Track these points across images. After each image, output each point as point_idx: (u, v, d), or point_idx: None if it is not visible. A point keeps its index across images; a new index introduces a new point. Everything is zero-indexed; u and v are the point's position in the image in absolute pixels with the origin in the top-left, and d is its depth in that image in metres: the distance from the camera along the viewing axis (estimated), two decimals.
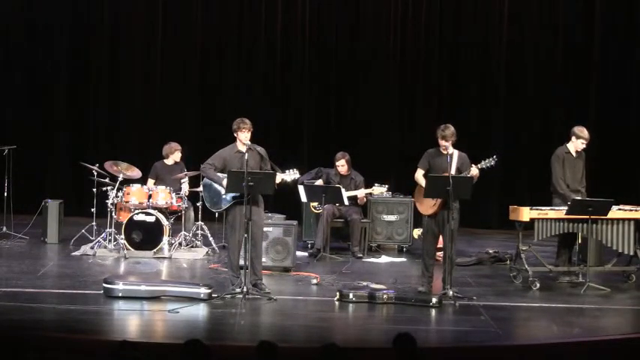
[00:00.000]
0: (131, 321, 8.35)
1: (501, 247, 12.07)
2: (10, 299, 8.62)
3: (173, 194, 11.54)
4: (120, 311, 8.47)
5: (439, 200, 9.17)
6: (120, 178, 11.53)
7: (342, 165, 11.95)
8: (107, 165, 11.80)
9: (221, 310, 8.48)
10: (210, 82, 15.08)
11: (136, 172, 11.88)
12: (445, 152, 9.31)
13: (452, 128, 9.32)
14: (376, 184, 11.89)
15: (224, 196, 9.14)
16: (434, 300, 8.78)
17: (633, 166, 14.37)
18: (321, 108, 15.08)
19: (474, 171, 9.26)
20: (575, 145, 10.12)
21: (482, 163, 9.31)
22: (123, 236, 11.21)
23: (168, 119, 14.98)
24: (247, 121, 9.19)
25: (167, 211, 11.63)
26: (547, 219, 9.79)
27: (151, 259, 11.08)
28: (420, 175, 9.45)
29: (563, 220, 9.77)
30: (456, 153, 9.31)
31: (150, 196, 11.42)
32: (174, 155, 12.06)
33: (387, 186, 11.94)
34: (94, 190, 11.72)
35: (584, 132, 10.12)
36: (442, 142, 9.32)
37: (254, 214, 8.97)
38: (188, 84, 15.11)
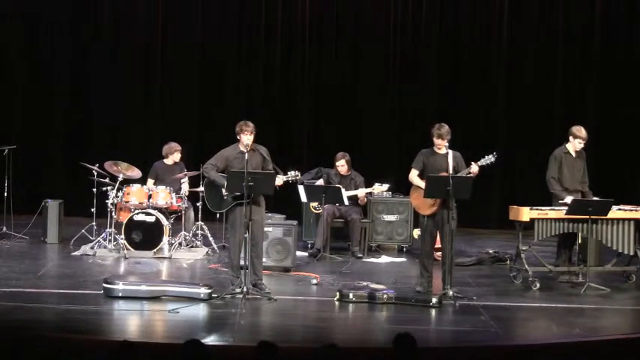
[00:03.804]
0: (131, 321, 8.35)
1: (501, 247, 12.08)
2: (10, 299, 8.62)
3: (173, 194, 11.55)
4: (120, 311, 8.47)
5: (438, 200, 9.18)
6: (120, 178, 11.53)
7: (342, 165, 11.95)
8: (107, 165, 11.80)
9: (221, 310, 8.48)
10: (210, 82, 15.08)
11: (136, 172, 11.89)
12: (441, 151, 9.32)
13: (447, 127, 9.33)
14: (377, 184, 11.89)
15: (225, 197, 9.15)
16: (434, 300, 8.78)
17: (633, 166, 14.37)
18: (321, 108, 15.08)
19: (474, 168, 9.27)
20: (574, 145, 10.13)
21: (483, 160, 9.32)
22: (123, 236, 11.21)
23: (168, 119, 15.00)
24: (250, 124, 9.20)
25: (167, 211, 11.63)
26: (547, 219, 9.79)
27: (151, 259, 11.08)
28: (414, 176, 9.45)
29: (563, 220, 9.78)
30: (450, 152, 9.30)
31: (150, 196, 11.43)
32: (173, 155, 12.06)
33: (387, 185, 11.94)
34: (94, 190, 11.72)
35: (581, 131, 10.12)
36: (438, 141, 9.32)
37: (255, 213, 8.97)
38: (188, 84, 15.10)
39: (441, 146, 9.31)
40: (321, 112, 15.08)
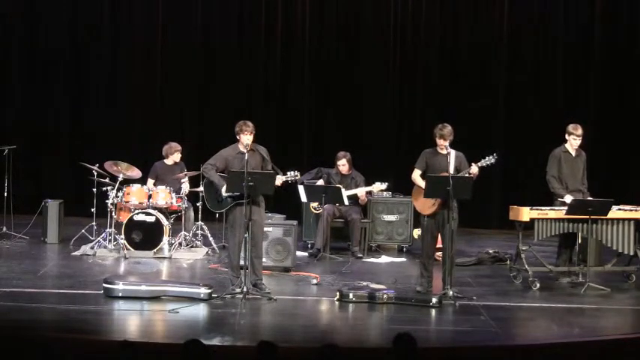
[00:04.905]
0: (131, 321, 8.35)
1: (501, 247, 12.06)
2: (10, 299, 8.62)
3: (173, 194, 11.54)
4: (120, 311, 8.47)
5: (438, 200, 9.18)
6: (120, 178, 11.53)
7: (343, 164, 11.95)
8: (107, 165, 11.80)
9: (221, 310, 8.48)
10: (210, 82, 15.08)
11: (136, 172, 11.89)
12: (443, 152, 9.31)
13: (449, 127, 9.33)
14: (377, 182, 11.89)
15: (225, 197, 9.14)
16: (434, 300, 8.78)
17: (633, 166, 14.37)
18: (320, 108, 15.08)
19: (474, 169, 9.27)
20: (570, 143, 10.13)
21: (483, 161, 9.31)
22: (123, 236, 11.20)
23: (168, 119, 15.01)
24: (250, 123, 9.19)
25: (167, 211, 11.63)
26: (547, 219, 9.79)
27: (150, 259, 11.07)
28: (417, 176, 9.46)
29: (563, 220, 9.77)
30: (452, 152, 9.31)
31: (150, 196, 11.43)
32: (173, 155, 12.06)
33: (386, 184, 11.95)
34: (94, 190, 11.73)
35: (577, 129, 10.11)
36: (440, 142, 9.32)
37: (254, 213, 8.97)
38: (188, 84, 15.11)
39: (443, 146, 9.30)
40: (320, 112, 15.09)
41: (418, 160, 9.52)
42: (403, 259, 11.79)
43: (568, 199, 9.84)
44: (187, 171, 11.89)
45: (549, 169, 10.12)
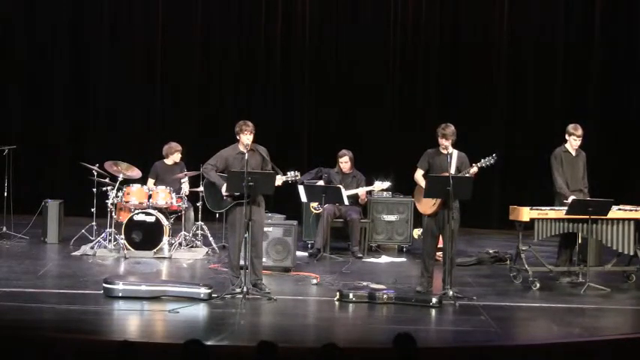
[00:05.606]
0: (131, 321, 8.35)
1: (501, 247, 12.07)
2: (10, 299, 8.62)
3: (173, 194, 11.55)
4: (120, 311, 8.47)
5: (439, 200, 9.18)
6: (120, 178, 11.53)
7: (345, 162, 11.95)
8: (107, 165, 11.80)
9: (221, 310, 8.48)
10: (210, 82, 15.09)
11: (136, 172, 11.89)
12: (445, 152, 9.31)
13: (452, 127, 9.33)
14: (377, 182, 11.89)
15: (225, 197, 9.14)
16: (434, 300, 8.78)
17: (633, 166, 14.36)
18: (321, 108, 15.07)
19: (473, 169, 9.26)
20: (570, 143, 10.13)
21: (482, 161, 9.31)
22: (123, 236, 11.20)
23: (168, 119, 15.01)
24: (250, 123, 9.20)
25: (167, 211, 11.63)
26: (547, 219, 9.79)
27: (151, 259, 11.07)
28: (419, 175, 9.46)
29: (563, 220, 9.78)
30: (455, 152, 9.32)
31: (150, 196, 11.43)
32: (174, 156, 12.06)
33: (388, 183, 11.94)
34: (94, 190, 11.73)
35: (577, 129, 10.12)
36: (442, 141, 9.32)
37: (254, 213, 8.97)
38: (188, 84, 15.11)
39: (445, 146, 9.30)
40: (321, 113, 15.08)
41: (420, 160, 9.53)
42: (403, 259, 11.79)
43: (571, 199, 9.84)
44: (187, 171, 11.90)
45: (554, 170, 10.08)
